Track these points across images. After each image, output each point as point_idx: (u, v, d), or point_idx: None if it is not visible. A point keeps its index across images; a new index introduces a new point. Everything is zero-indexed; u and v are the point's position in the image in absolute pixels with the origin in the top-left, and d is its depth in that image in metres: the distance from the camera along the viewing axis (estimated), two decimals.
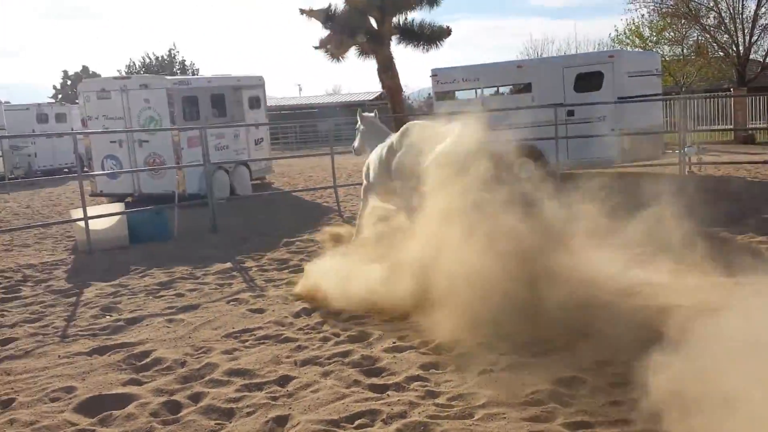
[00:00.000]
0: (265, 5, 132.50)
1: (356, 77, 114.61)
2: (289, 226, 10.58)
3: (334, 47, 19.53)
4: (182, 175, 13.73)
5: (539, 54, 41.59)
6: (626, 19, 35.58)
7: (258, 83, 16.80)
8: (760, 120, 26.05)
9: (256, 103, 16.51)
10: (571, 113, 14.75)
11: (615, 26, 44.68)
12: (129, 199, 14.42)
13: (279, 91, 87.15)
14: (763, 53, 31.68)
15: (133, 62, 52.83)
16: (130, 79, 14.84)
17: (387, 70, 19.41)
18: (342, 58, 20.21)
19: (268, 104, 51.58)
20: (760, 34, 30.10)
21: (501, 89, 17.17)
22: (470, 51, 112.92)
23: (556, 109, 12.56)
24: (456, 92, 16.70)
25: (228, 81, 16.14)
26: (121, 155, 14.42)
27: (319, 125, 38.52)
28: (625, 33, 34.82)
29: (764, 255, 7.06)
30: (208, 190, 10.90)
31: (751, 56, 30.83)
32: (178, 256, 8.89)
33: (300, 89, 67.48)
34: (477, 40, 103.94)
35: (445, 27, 20.25)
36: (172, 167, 13.65)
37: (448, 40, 20.58)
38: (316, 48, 19.84)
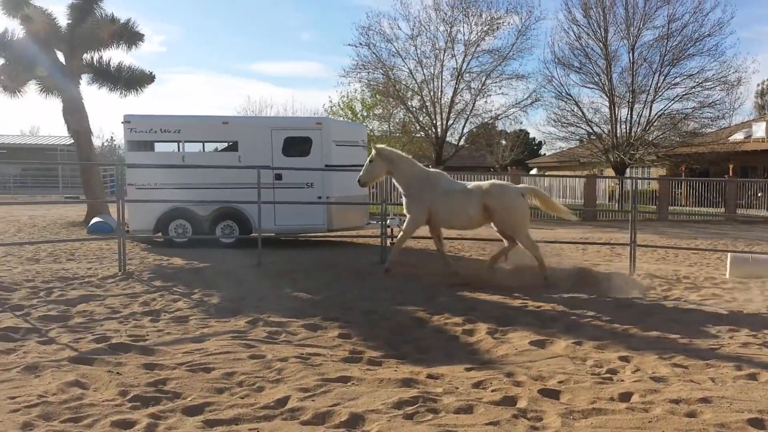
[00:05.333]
0: None
1: (58, 117, 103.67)
2: None
3: (7, 79, 16.51)
4: None
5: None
6: (340, 92, 37.07)
7: None
8: None
9: None
10: (279, 177, 14.04)
11: (329, 97, 46.95)
12: None
13: None
14: (458, 136, 35.31)
15: None
16: None
17: (73, 112, 16.93)
18: (19, 92, 17.21)
19: None
20: (456, 118, 33.44)
21: (207, 145, 15.89)
22: (190, 105, 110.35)
23: (259, 171, 11.63)
24: (154, 143, 14.99)
25: None
26: None
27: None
28: (339, 104, 36.26)
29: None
30: None
31: (447, 138, 34.08)
32: None
33: None
34: (198, 95, 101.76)
35: (148, 72, 18.54)
36: None
37: (170, 91, 19.08)
38: None
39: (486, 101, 33.94)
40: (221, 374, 5.25)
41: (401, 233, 10.58)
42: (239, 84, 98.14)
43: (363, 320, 7.35)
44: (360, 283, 9.78)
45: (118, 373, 5.22)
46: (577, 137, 36.25)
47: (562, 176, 35.01)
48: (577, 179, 29.96)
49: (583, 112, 33.82)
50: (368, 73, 33.22)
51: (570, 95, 33.75)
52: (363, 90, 34.99)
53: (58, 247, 13.37)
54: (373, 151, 10.45)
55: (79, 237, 15.21)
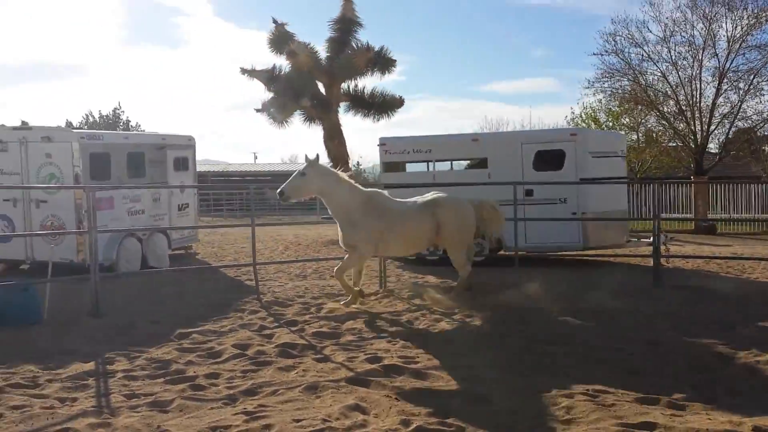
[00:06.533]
0: (230, 67, 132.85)
1: (314, 146, 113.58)
2: (193, 311, 8.74)
3: (276, 111, 18.13)
4: (82, 242, 11.76)
5: None
6: (583, 103, 35.18)
7: (187, 143, 15.05)
8: (716, 210, 25.36)
9: (183, 164, 14.72)
10: (529, 193, 13.41)
11: (572, 109, 44.74)
12: (24, 266, 12.57)
13: (237, 158, 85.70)
14: (718, 144, 31.59)
15: (86, 117, 50.91)
16: (31, 131, 12.87)
17: (333, 138, 18.06)
18: (286, 122, 18.83)
19: (227, 169, 50.47)
20: (719, 123, 29.99)
21: (455, 164, 15.83)
22: (429, 129, 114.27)
23: (515, 187, 11.14)
24: (406, 164, 15.29)
25: (149, 139, 14.45)
26: (14, 216, 12.41)
27: (268, 193, 37.16)
28: (581, 116, 34.53)
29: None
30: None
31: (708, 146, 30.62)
32: (32, 348, 6.88)
33: (255, 157, 65.73)
34: (437, 119, 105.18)
35: (397, 97, 19.17)
36: (67, 232, 11.73)
37: (408, 117, 19.89)
38: (257, 111, 18.47)
39: (760, 100, 29.93)
40: (503, 408, 4.81)
41: (339, 265, 9.21)
42: (472, 106, 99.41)
43: (649, 352, 6.46)
44: (634, 307, 8.76)
45: (396, 398, 5.03)
46: None
47: None
48: None
49: None
50: (614, 81, 31.23)
51: None
52: (608, 100, 32.93)
53: (321, 264, 14.14)
54: (305, 163, 8.94)
55: (338, 255, 15.99)
